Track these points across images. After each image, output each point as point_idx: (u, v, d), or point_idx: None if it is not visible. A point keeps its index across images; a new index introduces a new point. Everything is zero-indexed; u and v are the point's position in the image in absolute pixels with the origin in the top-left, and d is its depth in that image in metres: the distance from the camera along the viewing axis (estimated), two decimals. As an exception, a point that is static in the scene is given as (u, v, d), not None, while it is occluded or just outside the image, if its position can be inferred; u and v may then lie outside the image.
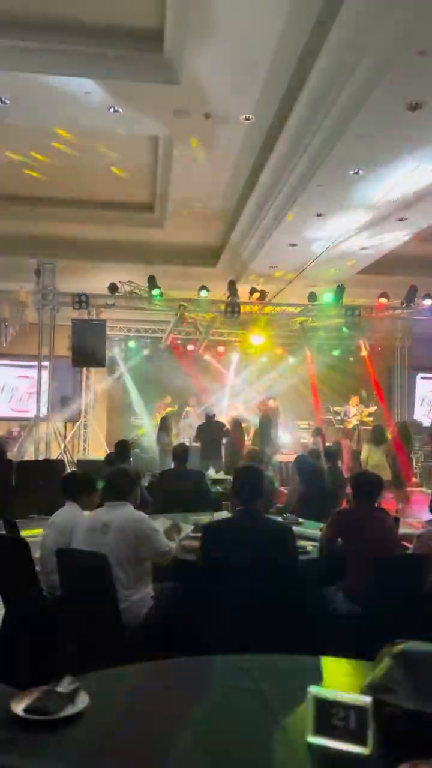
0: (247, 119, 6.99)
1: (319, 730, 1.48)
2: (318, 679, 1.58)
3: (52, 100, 6.55)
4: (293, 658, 2.06)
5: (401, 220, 9.11)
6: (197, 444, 11.16)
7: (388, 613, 3.19)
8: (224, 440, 11.22)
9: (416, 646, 1.64)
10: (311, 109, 6.47)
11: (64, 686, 1.69)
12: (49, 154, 8.24)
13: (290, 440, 13.64)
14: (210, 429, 11.36)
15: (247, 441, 11.78)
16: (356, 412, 13.60)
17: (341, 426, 13.74)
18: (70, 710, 1.60)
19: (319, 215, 8.94)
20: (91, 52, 5.90)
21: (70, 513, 3.85)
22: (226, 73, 6.07)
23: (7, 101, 6.60)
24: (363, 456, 10.29)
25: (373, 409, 13.76)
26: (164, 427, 11.63)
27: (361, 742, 1.43)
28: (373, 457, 9.93)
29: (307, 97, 6.29)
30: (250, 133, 7.38)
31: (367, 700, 1.46)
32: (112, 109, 6.70)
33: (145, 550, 3.32)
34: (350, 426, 13.44)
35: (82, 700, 1.65)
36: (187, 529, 4.16)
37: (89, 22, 5.77)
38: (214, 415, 11.99)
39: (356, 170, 7.47)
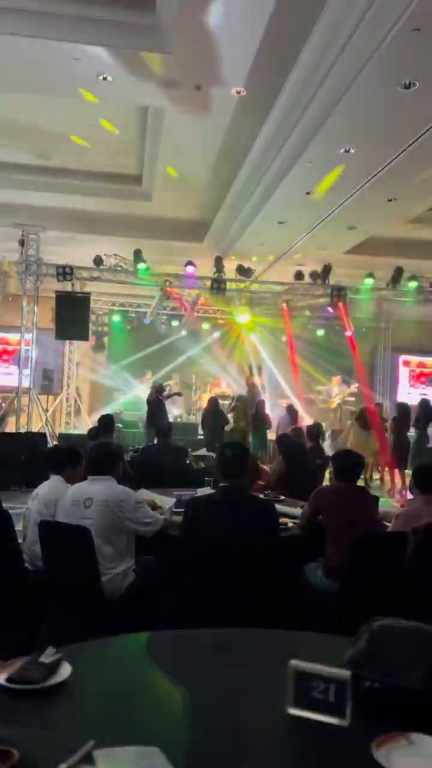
0: (239, 92, 6.88)
1: (299, 702, 1.50)
2: (298, 653, 1.61)
3: (39, 66, 6.40)
4: (274, 632, 2.09)
5: (390, 200, 9.09)
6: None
7: (366, 590, 3.25)
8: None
9: (394, 622, 1.68)
10: (303, 84, 6.38)
11: (47, 657, 1.70)
12: (37, 121, 8.07)
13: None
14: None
15: (229, 417, 11.79)
16: (338, 392, 13.68)
17: (324, 405, 13.82)
18: (53, 680, 1.62)
19: (308, 193, 8.89)
20: (81, 16, 5.75)
21: (54, 486, 3.85)
22: (219, 45, 5.96)
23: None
24: (345, 436, 10.36)
25: (354, 389, 13.83)
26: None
27: (340, 714, 1.46)
28: (358, 440, 10.01)
29: (299, 72, 6.20)
30: (240, 107, 7.27)
31: (346, 673, 1.49)
32: (102, 77, 6.56)
33: (130, 522, 3.32)
34: (333, 405, 13.53)
35: (65, 671, 1.66)
36: (169, 504, 4.18)
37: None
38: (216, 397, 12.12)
39: (347, 148, 7.41)
